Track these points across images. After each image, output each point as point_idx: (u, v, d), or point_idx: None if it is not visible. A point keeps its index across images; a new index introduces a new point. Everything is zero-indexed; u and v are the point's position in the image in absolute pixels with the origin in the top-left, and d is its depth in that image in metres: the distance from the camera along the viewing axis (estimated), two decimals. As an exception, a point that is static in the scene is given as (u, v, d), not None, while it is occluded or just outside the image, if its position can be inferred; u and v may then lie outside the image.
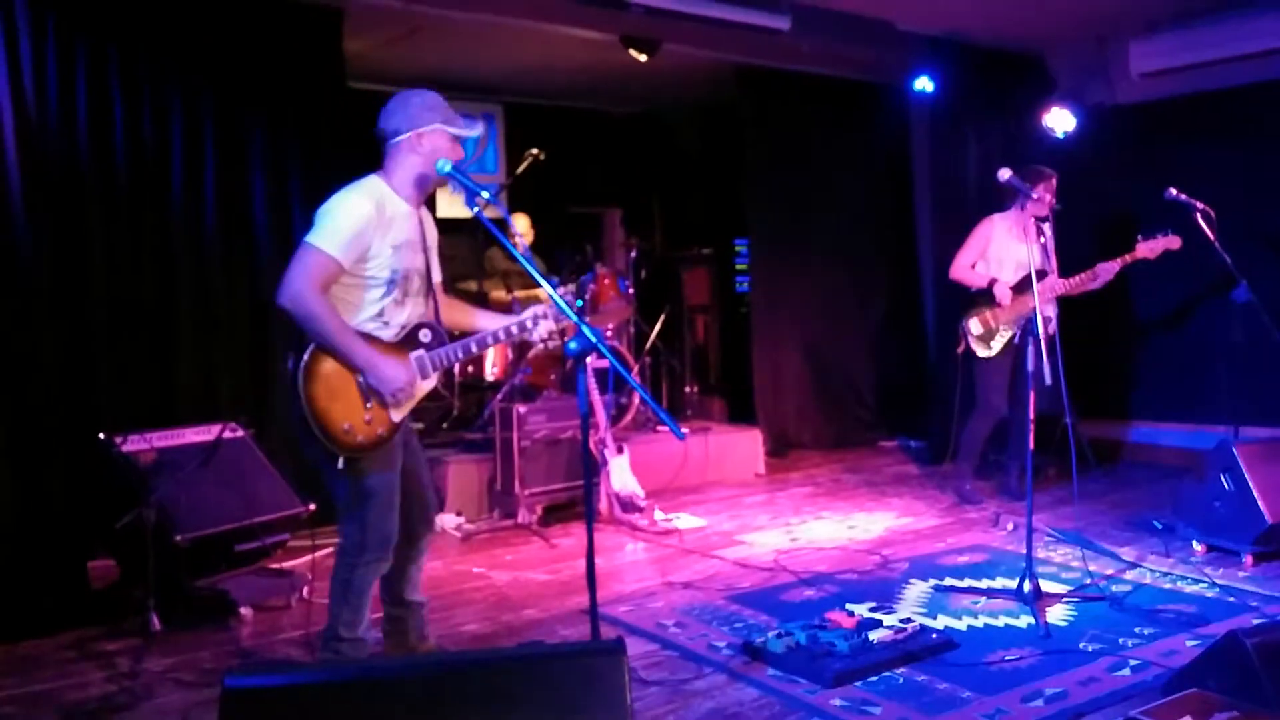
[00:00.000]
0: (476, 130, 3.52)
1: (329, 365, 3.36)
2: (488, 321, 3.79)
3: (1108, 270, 5.92)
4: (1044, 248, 5.90)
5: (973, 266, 6.29)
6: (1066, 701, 3.41)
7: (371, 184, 3.47)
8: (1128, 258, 5.89)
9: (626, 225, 10.27)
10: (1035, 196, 5.47)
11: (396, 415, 3.49)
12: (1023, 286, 6.07)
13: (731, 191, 8.72)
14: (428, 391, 3.63)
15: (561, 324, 3.71)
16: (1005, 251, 6.21)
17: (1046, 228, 5.76)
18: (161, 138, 5.48)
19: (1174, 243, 5.83)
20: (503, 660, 2.36)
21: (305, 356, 3.32)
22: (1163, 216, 5.88)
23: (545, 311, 3.64)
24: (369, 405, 3.41)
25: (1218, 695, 2.61)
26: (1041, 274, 6.01)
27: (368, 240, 3.37)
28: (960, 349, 6.27)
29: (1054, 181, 6.00)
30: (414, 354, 3.53)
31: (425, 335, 3.57)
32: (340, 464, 3.39)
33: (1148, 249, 5.85)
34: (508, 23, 6.64)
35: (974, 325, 6.16)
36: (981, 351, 6.18)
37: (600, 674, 2.26)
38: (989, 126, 7.87)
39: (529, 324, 3.62)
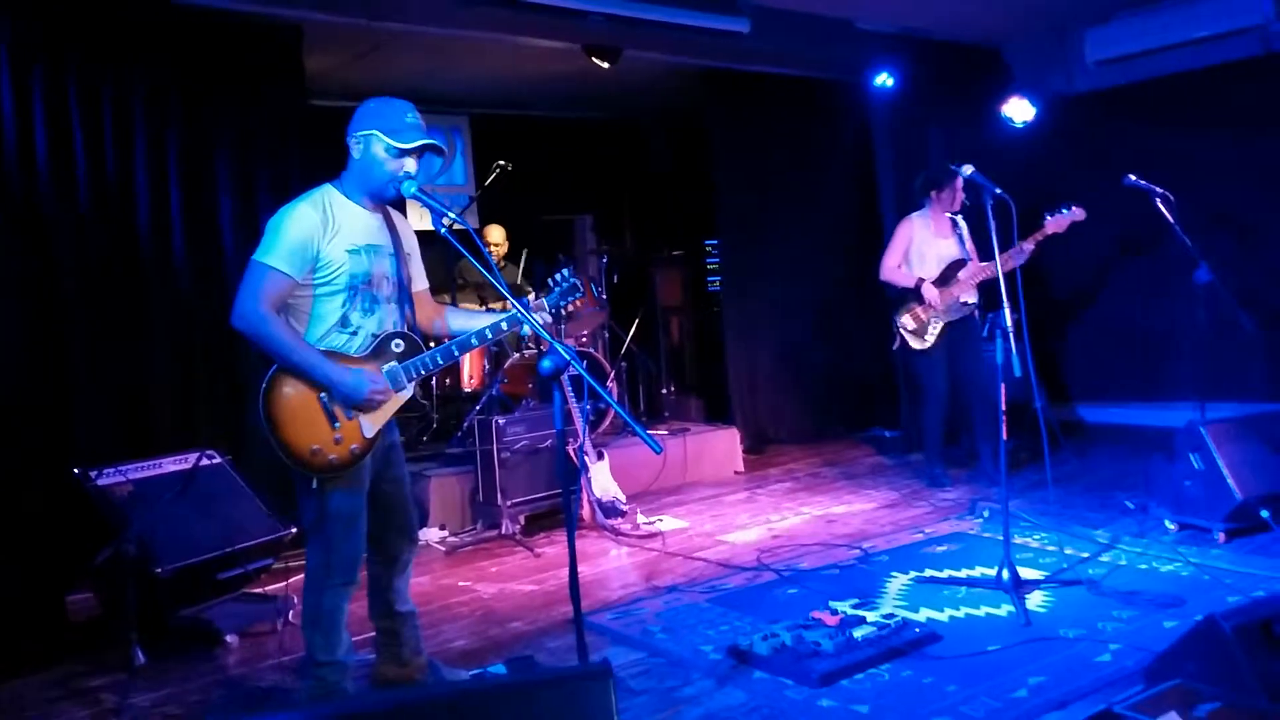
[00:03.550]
0: (416, 142, 3.39)
1: (289, 388, 3.29)
2: (467, 323, 3.68)
3: (1022, 250, 6.02)
4: (960, 238, 6.14)
5: (898, 266, 6.54)
6: (1050, 691, 3.46)
7: (320, 191, 3.40)
8: (1038, 235, 6.05)
9: (598, 230, 10.30)
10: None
11: (370, 430, 3.40)
12: (946, 278, 6.33)
13: (701, 193, 8.77)
14: (404, 402, 3.52)
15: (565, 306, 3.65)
16: (926, 248, 6.52)
17: (960, 220, 6.04)
18: (124, 162, 5.46)
19: (1078, 215, 6.02)
20: (487, 692, 2.35)
21: (265, 381, 3.27)
22: (1122, 201, 5.99)
23: (531, 305, 3.57)
24: (337, 424, 3.33)
25: (1200, 686, 2.65)
26: (961, 263, 6.26)
27: (314, 248, 3.29)
28: (895, 345, 6.58)
29: (960, 181, 6.27)
30: (385, 367, 3.44)
31: (398, 345, 3.47)
32: (315, 484, 3.34)
33: (1055, 224, 6.03)
34: (469, 35, 6.67)
35: (907, 321, 6.50)
36: (917, 345, 6.48)
37: (587, 699, 2.27)
38: (949, 119, 7.96)
39: (513, 320, 3.48)
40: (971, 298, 6.39)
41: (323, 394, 3.32)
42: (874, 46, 7.66)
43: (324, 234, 3.33)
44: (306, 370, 3.28)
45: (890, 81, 7.75)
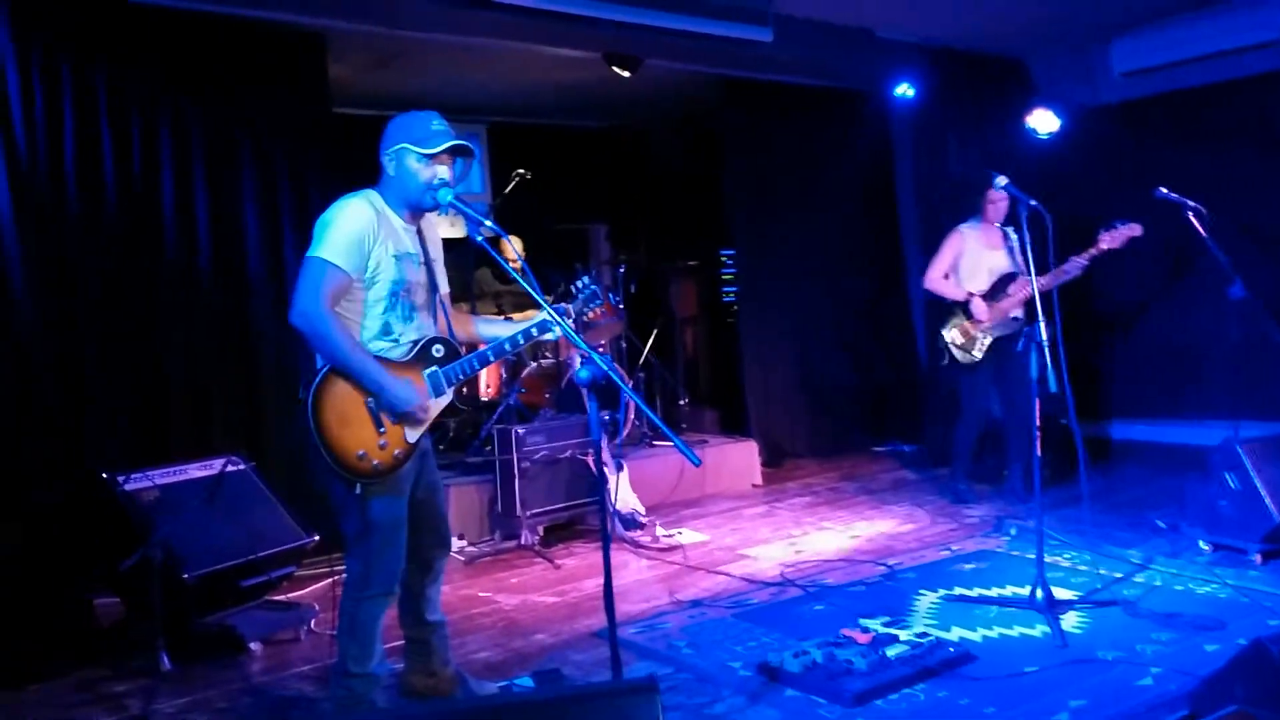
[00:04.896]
0: (441, 146, 3.36)
1: (339, 391, 3.29)
2: (497, 330, 3.70)
3: (1075, 265, 5.97)
4: (1011, 250, 6.03)
5: (945, 277, 6.43)
6: (1091, 715, 3.40)
7: (368, 194, 3.42)
8: (1093, 251, 5.94)
9: (613, 240, 10.26)
10: (1034, 204, 5.35)
11: (412, 435, 3.42)
12: (996, 291, 6.19)
13: (716, 203, 8.73)
14: (444, 408, 3.53)
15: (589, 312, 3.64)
16: (977, 259, 6.39)
17: (1013, 232, 5.84)
18: (151, 170, 5.44)
19: (1135, 230, 5.88)
20: (534, 705, 2.31)
21: (314, 384, 3.26)
22: (1152, 215, 5.92)
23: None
24: (383, 429, 3.34)
25: (1258, 711, 2.60)
26: (1012, 276, 6.15)
27: (368, 246, 3.31)
28: (945, 362, 6.43)
29: (993, 191, 6.11)
30: (427, 371, 3.45)
31: (438, 350, 3.49)
32: (358, 490, 3.32)
33: (1109, 239, 5.91)
34: (489, 44, 6.63)
35: (955, 336, 6.36)
36: (964, 359, 6.33)
37: (634, 714, 2.23)
38: (971, 130, 7.91)
39: (543, 326, 3.48)
40: (1019, 312, 6.26)
41: (370, 399, 3.31)
42: (895, 56, 7.62)
43: (375, 235, 3.33)
44: (359, 374, 3.28)
45: (911, 92, 7.71)
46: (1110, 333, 7.88)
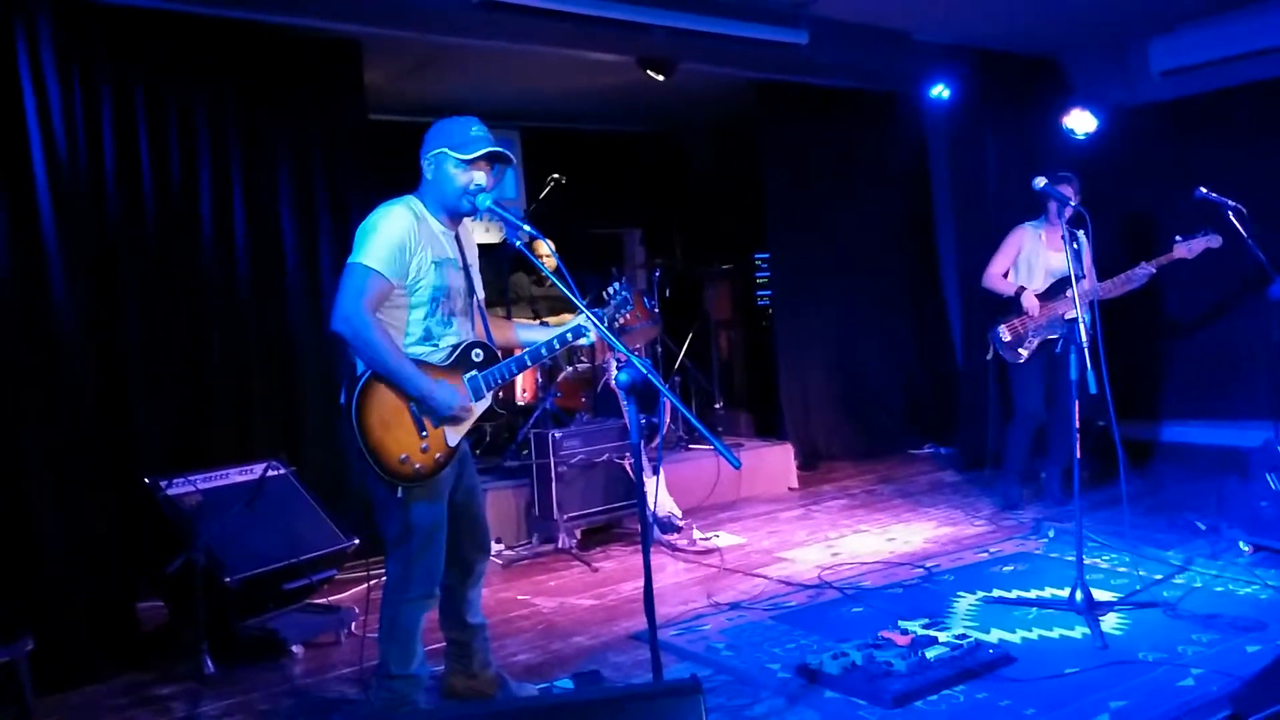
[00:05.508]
0: (479, 151, 3.41)
1: (381, 396, 3.32)
2: (534, 335, 3.74)
3: (1143, 273, 5.90)
4: (1076, 253, 5.90)
5: (1004, 275, 6.34)
6: (1133, 716, 3.38)
7: (408, 200, 3.46)
8: (1165, 259, 5.86)
9: (647, 244, 10.28)
10: (1073, 203, 5.17)
11: (453, 439, 3.45)
12: (1053, 293, 6.09)
13: (750, 206, 8.72)
14: (484, 412, 3.57)
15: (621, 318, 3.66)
16: (1036, 259, 6.28)
17: (1080, 233, 5.74)
18: (189, 178, 5.51)
19: (1214, 242, 5.78)
20: (577, 706, 2.33)
21: (357, 389, 3.30)
22: (1191, 215, 5.85)
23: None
24: (424, 433, 3.37)
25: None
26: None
27: (409, 253, 3.33)
28: (989, 355, 6.33)
29: (1071, 186, 5.95)
30: (467, 375, 3.49)
31: (477, 355, 3.52)
32: (400, 493, 3.36)
33: (1186, 249, 5.82)
34: (523, 49, 6.67)
35: (1003, 332, 6.20)
36: (1011, 357, 6.21)
37: (678, 714, 2.24)
38: (1007, 131, 7.86)
39: (579, 331, 3.55)
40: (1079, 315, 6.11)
41: (412, 403, 3.35)
42: (931, 58, 7.58)
43: (415, 241, 3.36)
44: (402, 380, 3.31)
45: (947, 93, 7.67)
46: (1147, 333, 7.79)
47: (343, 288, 3.30)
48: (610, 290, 3.70)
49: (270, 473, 4.92)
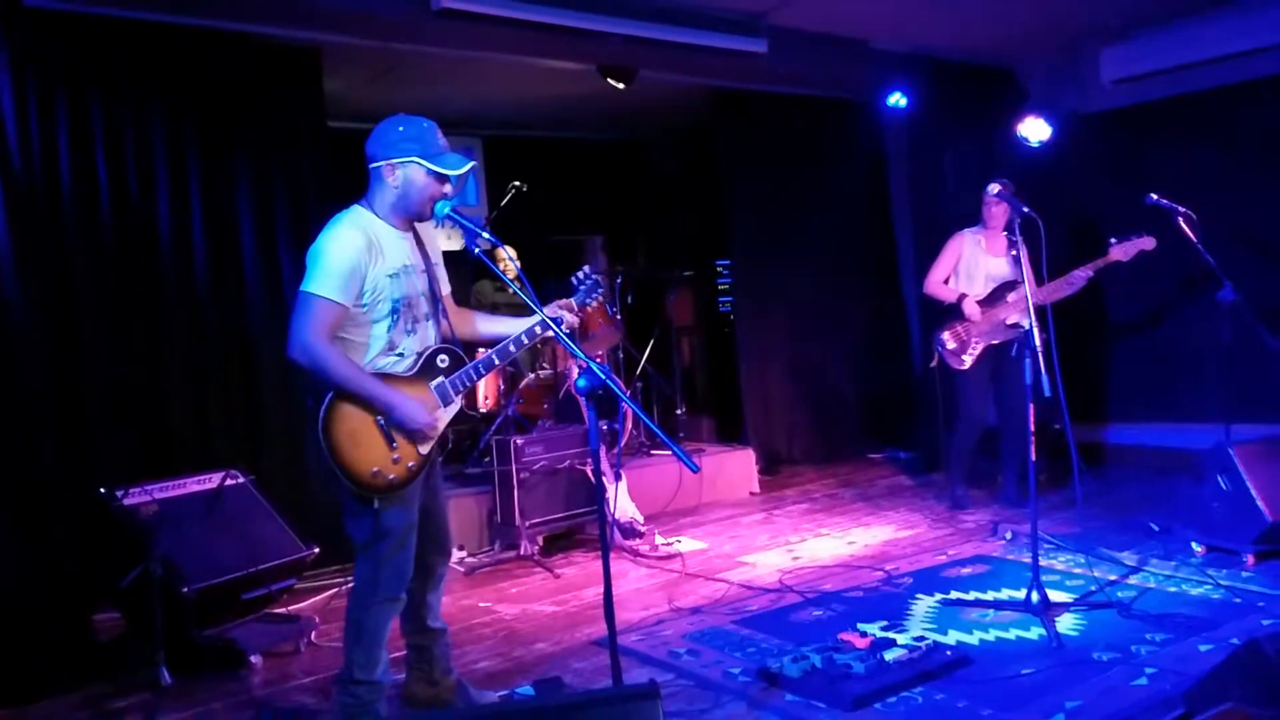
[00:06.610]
0: (463, 169, 3.38)
1: (348, 412, 3.30)
2: (495, 326, 3.72)
3: (1081, 276, 5.99)
4: (1015, 259, 6.01)
5: (945, 281, 6.44)
6: (1087, 715, 3.43)
7: (355, 215, 3.38)
8: (1101, 262, 5.96)
9: (609, 251, 10.30)
10: (1027, 211, 5.07)
11: (425, 448, 3.45)
12: (994, 298, 6.19)
13: (711, 212, 8.78)
14: (453, 416, 3.57)
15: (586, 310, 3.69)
16: (976, 265, 6.39)
17: (1019, 239, 5.83)
18: (146, 187, 5.44)
19: (1147, 243, 5.88)
20: (535, 712, 2.34)
21: (324, 405, 3.28)
22: (1142, 221, 5.95)
23: (559, 306, 3.61)
24: (394, 445, 3.36)
25: (1253, 709, 2.62)
26: (1011, 284, 6.14)
27: (362, 274, 3.29)
28: (934, 363, 6.43)
29: (990, 197, 6.16)
30: (433, 383, 3.47)
31: (443, 360, 3.50)
32: (375, 504, 3.35)
33: (1121, 251, 5.92)
34: (484, 57, 6.67)
35: (947, 339, 6.32)
36: (955, 364, 6.31)
37: (636, 718, 2.26)
38: (963, 139, 7.96)
39: (544, 326, 3.51)
40: (1021, 320, 6.11)
41: (379, 417, 3.34)
42: (889, 66, 7.67)
43: (368, 259, 3.31)
44: (368, 399, 3.31)
45: (904, 101, 7.76)
46: (1100, 337, 7.92)
47: (296, 316, 3.26)
48: (578, 276, 3.71)
49: (229, 481, 4.89)
